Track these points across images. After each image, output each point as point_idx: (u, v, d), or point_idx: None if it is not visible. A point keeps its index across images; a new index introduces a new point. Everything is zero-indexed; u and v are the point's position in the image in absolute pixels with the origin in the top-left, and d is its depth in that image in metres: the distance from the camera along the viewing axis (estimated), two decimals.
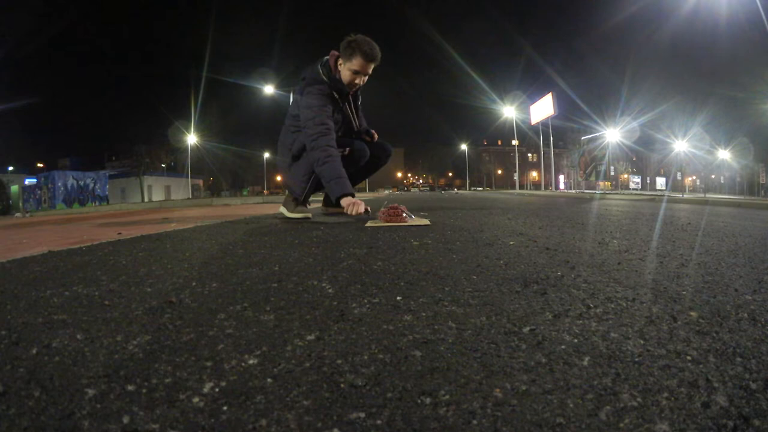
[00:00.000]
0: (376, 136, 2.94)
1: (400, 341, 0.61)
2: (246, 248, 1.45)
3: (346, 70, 2.45)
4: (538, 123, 29.39)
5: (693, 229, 2.04)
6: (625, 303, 0.78)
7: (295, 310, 0.75)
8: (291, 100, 2.70)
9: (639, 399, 0.45)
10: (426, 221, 2.26)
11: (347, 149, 2.61)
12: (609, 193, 14.22)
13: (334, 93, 2.52)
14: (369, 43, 2.40)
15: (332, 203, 2.98)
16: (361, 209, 2.28)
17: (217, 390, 0.48)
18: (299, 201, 2.69)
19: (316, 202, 3.55)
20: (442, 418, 0.42)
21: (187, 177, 31.06)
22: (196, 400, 0.46)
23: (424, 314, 0.72)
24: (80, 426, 0.42)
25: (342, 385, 0.49)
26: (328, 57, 2.51)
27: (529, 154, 65.75)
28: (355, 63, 2.41)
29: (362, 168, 2.88)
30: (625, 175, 62.93)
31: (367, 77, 2.53)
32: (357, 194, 2.47)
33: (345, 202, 2.30)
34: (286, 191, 2.88)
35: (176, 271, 1.10)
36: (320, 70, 2.48)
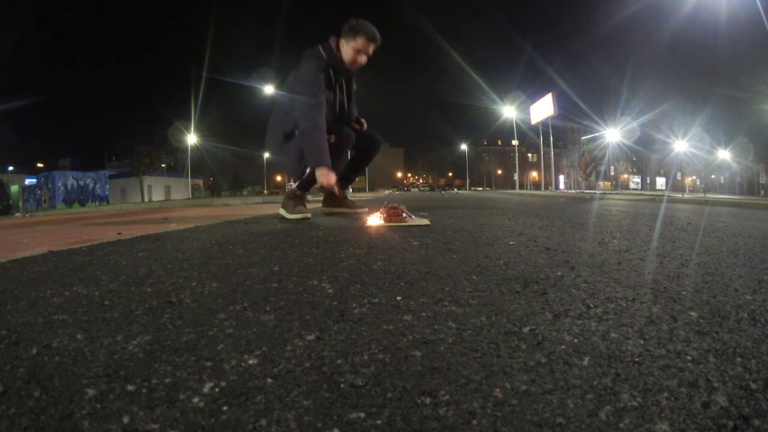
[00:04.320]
0: (365, 125, 2.99)
1: (400, 341, 0.61)
2: (246, 248, 1.45)
3: (349, 49, 2.59)
4: (538, 123, 29.37)
5: (693, 229, 2.04)
6: (625, 303, 0.78)
7: (295, 310, 0.75)
8: (288, 78, 2.76)
9: (639, 399, 0.45)
10: (426, 221, 2.26)
11: (332, 136, 2.67)
12: (609, 193, 14.22)
13: (330, 70, 2.62)
14: (370, 26, 2.57)
15: (332, 203, 2.99)
16: (332, 180, 2.38)
17: (217, 390, 0.48)
18: (296, 194, 2.71)
19: (316, 202, 3.55)
20: (442, 418, 0.42)
21: (187, 177, 31.04)
22: (196, 400, 0.46)
23: (424, 314, 0.72)
24: (80, 426, 0.42)
25: (342, 385, 0.49)
26: (329, 40, 2.64)
27: (529, 154, 65.69)
28: (359, 42, 2.56)
29: (355, 162, 2.96)
30: (625, 175, 62.94)
31: (367, 58, 2.66)
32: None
33: (319, 172, 2.41)
34: (286, 190, 2.90)
35: (176, 271, 1.10)
36: (320, 48, 2.60)
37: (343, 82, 2.74)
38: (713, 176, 56.40)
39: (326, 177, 2.38)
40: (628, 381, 0.49)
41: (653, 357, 0.55)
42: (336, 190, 2.45)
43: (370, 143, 2.96)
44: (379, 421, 0.42)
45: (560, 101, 28.86)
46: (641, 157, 66.25)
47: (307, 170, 2.67)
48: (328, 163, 2.42)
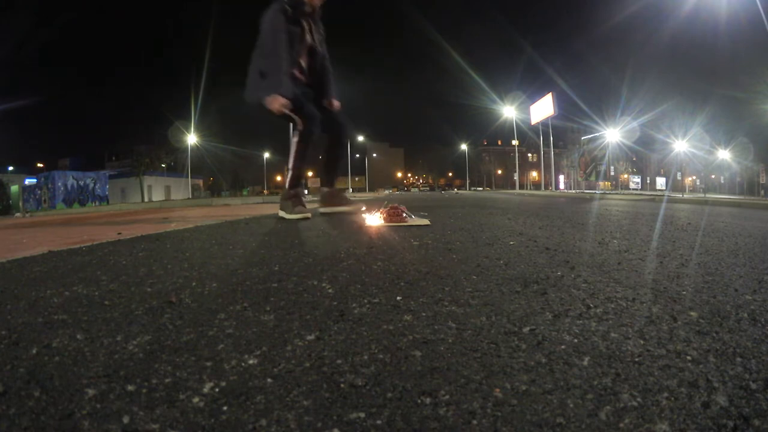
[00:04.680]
0: (335, 104, 3.02)
1: (400, 341, 0.61)
2: (246, 248, 1.45)
3: None
4: (538, 123, 29.37)
5: (693, 229, 2.04)
6: (625, 303, 0.78)
7: (295, 310, 0.75)
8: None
9: (639, 399, 0.45)
10: (426, 221, 2.27)
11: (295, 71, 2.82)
12: (609, 193, 14.22)
13: (289, 8, 2.82)
14: None
15: (329, 202, 2.99)
16: (275, 104, 2.54)
17: (217, 390, 0.48)
18: (291, 194, 2.72)
19: (316, 202, 3.55)
20: (442, 418, 0.42)
21: (187, 177, 31.05)
22: (196, 400, 0.46)
23: (424, 314, 0.72)
24: (80, 426, 0.42)
25: (342, 385, 0.49)
26: None
27: (529, 154, 65.62)
28: None
29: (328, 152, 2.99)
30: (625, 175, 62.94)
31: None
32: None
33: (268, 99, 2.58)
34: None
35: (176, 271, 1.10)
36: None
37: (311, 23, 2.95)
38: (713, 176, 56.39)
39: (271, 102, 2.55)
40: (628, 381, 0.49)
41: (653, 357, 0.55)
42: (282, 111, 2.58)
43: (336, 126, 2.98)
44: (379, 421, 0.42)
45: (560, 101, 28.86)
46: (641, 157, 66.23)
47: (290, 162, 2.79)
48: (281, 91, 2.58)
